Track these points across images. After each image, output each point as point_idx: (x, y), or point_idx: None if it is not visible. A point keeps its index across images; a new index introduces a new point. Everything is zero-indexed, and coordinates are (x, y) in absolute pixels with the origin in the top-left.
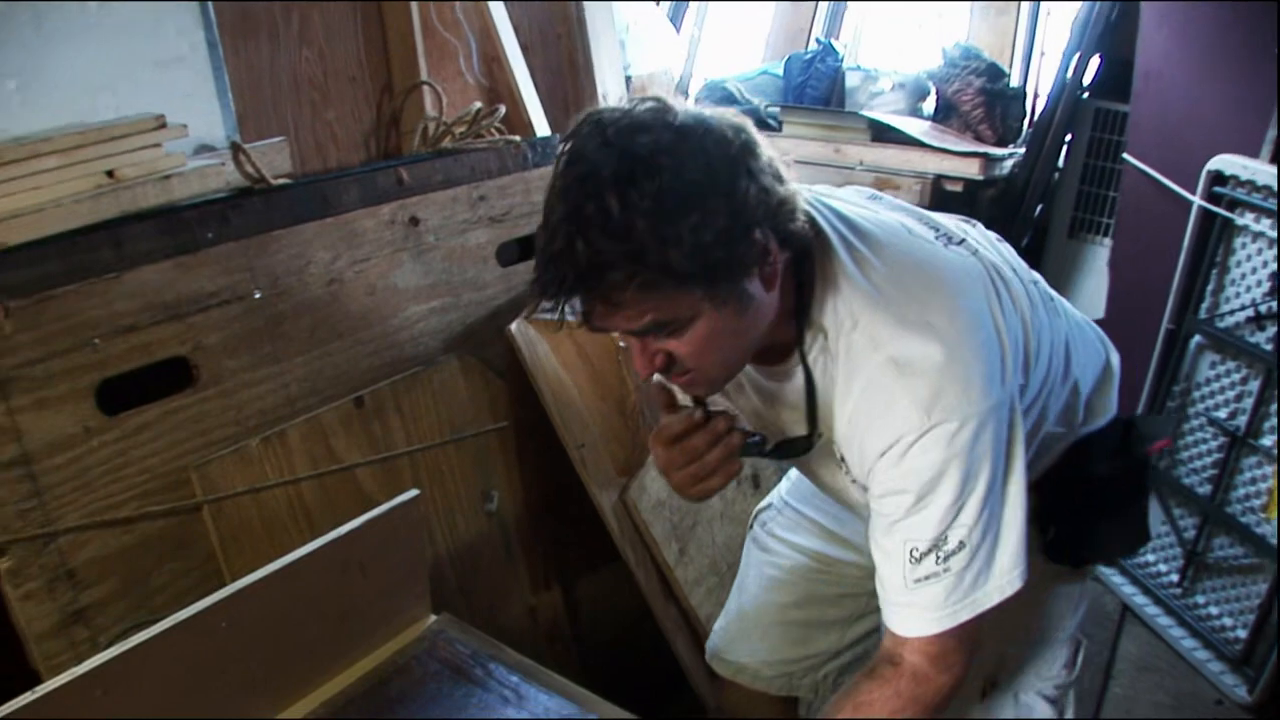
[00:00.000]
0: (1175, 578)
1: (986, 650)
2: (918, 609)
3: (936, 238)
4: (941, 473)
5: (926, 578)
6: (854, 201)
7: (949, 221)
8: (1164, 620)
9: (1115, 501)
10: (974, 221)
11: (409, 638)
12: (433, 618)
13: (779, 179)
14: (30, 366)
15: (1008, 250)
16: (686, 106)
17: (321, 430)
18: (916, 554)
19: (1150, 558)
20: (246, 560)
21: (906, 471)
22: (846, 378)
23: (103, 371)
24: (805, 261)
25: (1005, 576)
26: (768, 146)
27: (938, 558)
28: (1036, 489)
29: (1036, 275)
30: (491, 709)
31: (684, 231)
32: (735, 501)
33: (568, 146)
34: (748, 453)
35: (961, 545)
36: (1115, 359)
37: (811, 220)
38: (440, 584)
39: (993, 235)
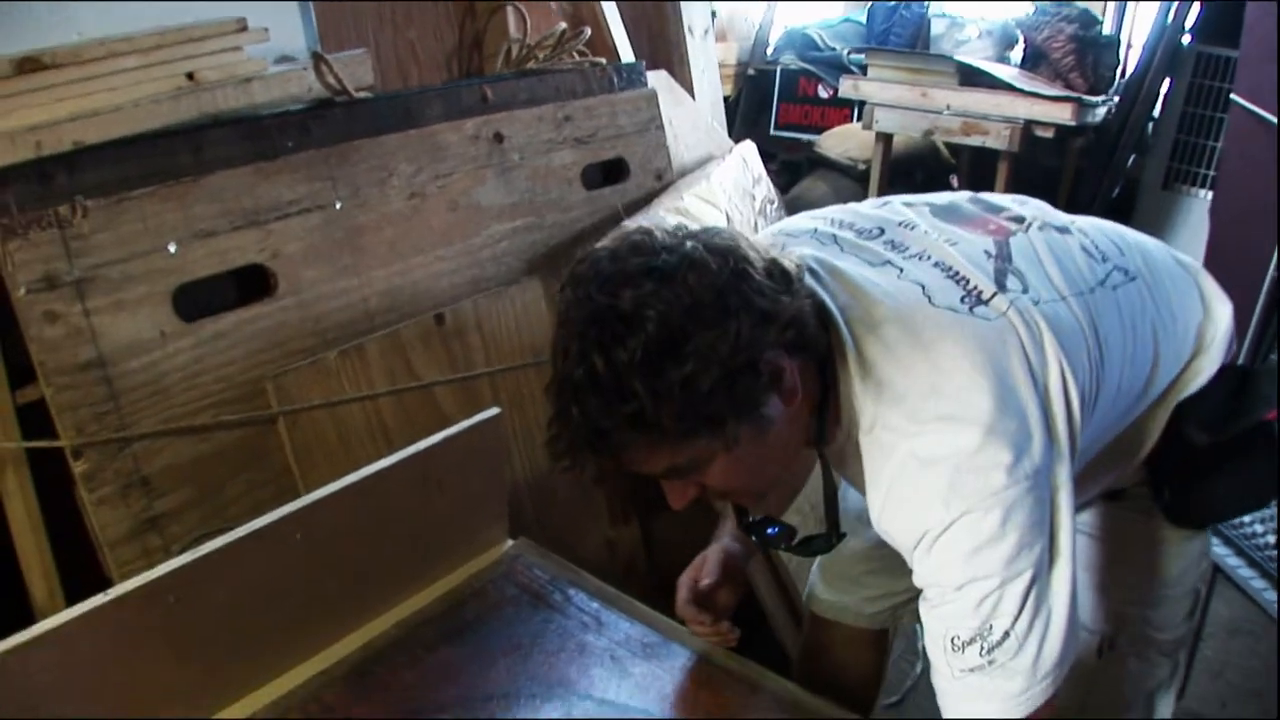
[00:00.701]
0: (1271, 539)
1: (1105, 609)
2: (966, 701)
3: (963, 299)
4: (972, 563)
5: (971, 669)
6: (869, 261)
7: (981, 256)
8: (1258, 583)
9: (1231, 462)
10: (1026, 205)
11: (486, 561)
12: (510, 542)
13: (784, 289)
14: (107, 268)
15: (1072, 241)
16: (672, 235)
17: (400, 346)
18: (959, 643)
19: (1245, 518)
20: (321, 474)
21: (938, 565)
22: (874, 474)
23: (180, 276)
24: (826, 362)
25: (1056, 672)
26: (769, 250)
27: (982, 649)
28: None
29: (1117, 248)
30: (571, 635)
31: (675, 387)
32: None
33: (560, 300)
34: (774, 545)
35: (1006, 635)
36: (1224, 310)
37: (821, 311)
38: (517, 513)
39: (1057, 218)
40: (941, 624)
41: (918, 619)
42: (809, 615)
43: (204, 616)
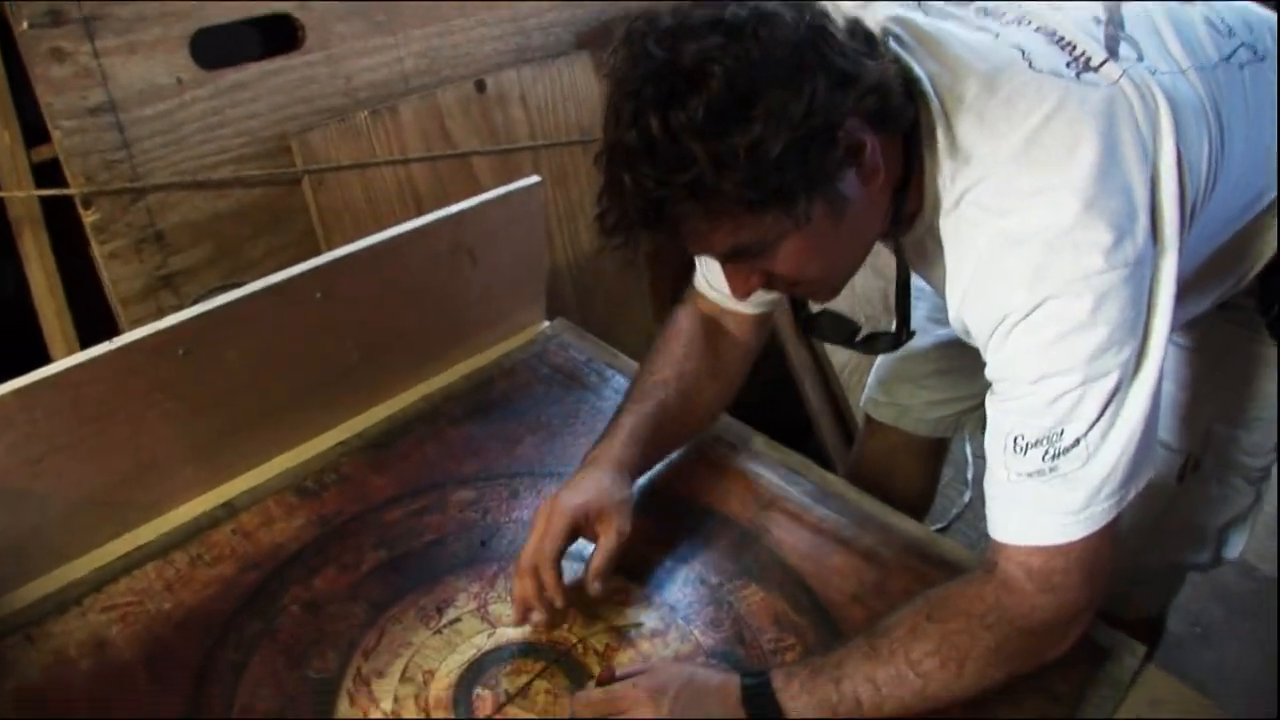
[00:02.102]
0: None
1: (1193, 427)
2: (1018, 510)
3: (1069, 65)
4: (1053, 354)
5: (1030, 474)
6: (966, 23)
7: (1090, 22)
8: None
9: None
10: None
11: (519, 341)
12: (546, 323)
13: (868, 53)
14: (118, 6)
15: (1195, 12)
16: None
17: (437, 111)
18: (1022, 443)
19: None
20: (348, 239)
21: (1015, 354)
22: (957, 260)
23: (198, 20)
24: (910, 138)
25: (1122, 492)
26: (854, 9)
27: (1046, 453)
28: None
29: (1246, 23)
30: (604, 416)
31: (739, 151)
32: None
33: (612, 60)
34: (836, 341)
35: (1076, 443)
36: None
37: (907, 79)
38: (556, 296)
39: None
40: (1008, 421)
41: (981, 428)
42: (864, 421)
43: (216, 374)
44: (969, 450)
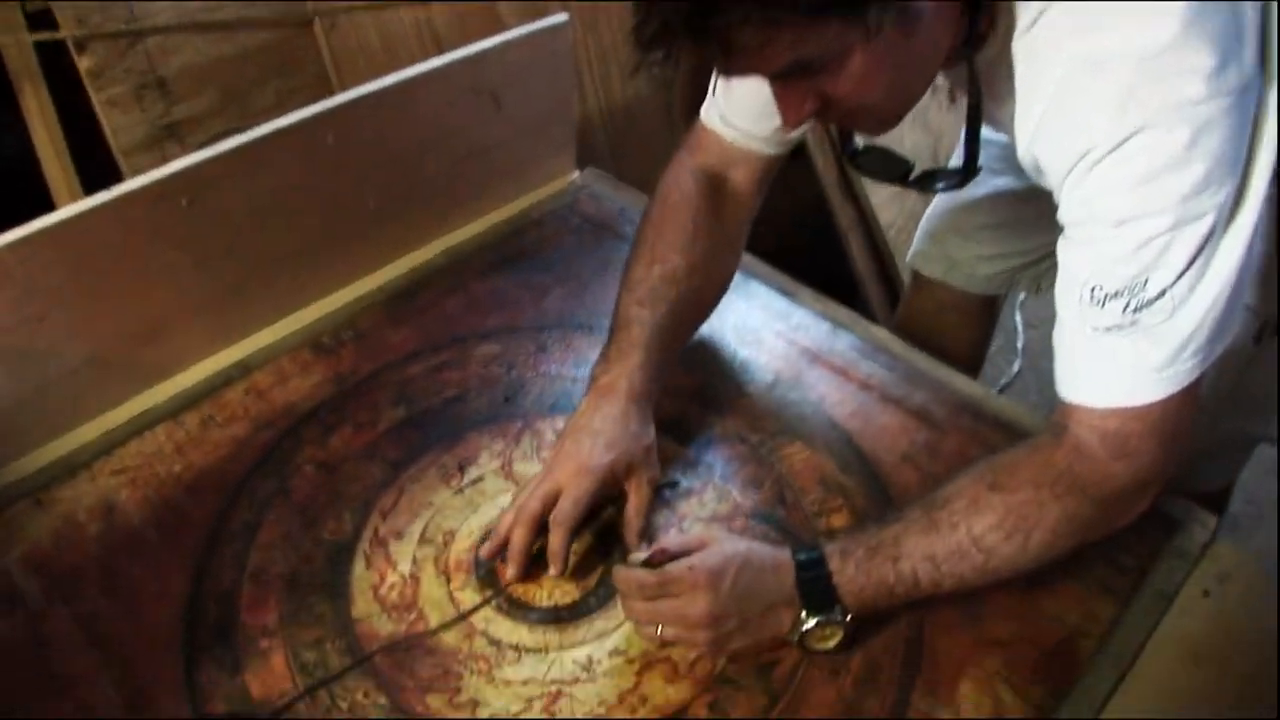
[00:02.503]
0: None
1: (1273, 287)
2: (1092, 368)
3: None
4: (1143, 192)
5: (1109, 328)
6: None
7: None
8: None
9: None
10: None
11: (548, 192)
12: (576, 173)
13: None
14: None
15: None
16: None
17: None
18: (1100, 294)
19: None
20: (362, 84)
21: (1098, 192)
22: (1030, 87)
23: None
24: None
25: (1207, 350)
26: None
27: (1128, 305)
28: None
29: None
30: None
31: None
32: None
33: None
34: (888, 180)
35: (1162, 294)
36: None
37: None
38: (588, 145)
39: None
40: (1085, 269)
41: (1035, 287)
42: (911, 276)
43: (223, 226)
44: (1019, 318)
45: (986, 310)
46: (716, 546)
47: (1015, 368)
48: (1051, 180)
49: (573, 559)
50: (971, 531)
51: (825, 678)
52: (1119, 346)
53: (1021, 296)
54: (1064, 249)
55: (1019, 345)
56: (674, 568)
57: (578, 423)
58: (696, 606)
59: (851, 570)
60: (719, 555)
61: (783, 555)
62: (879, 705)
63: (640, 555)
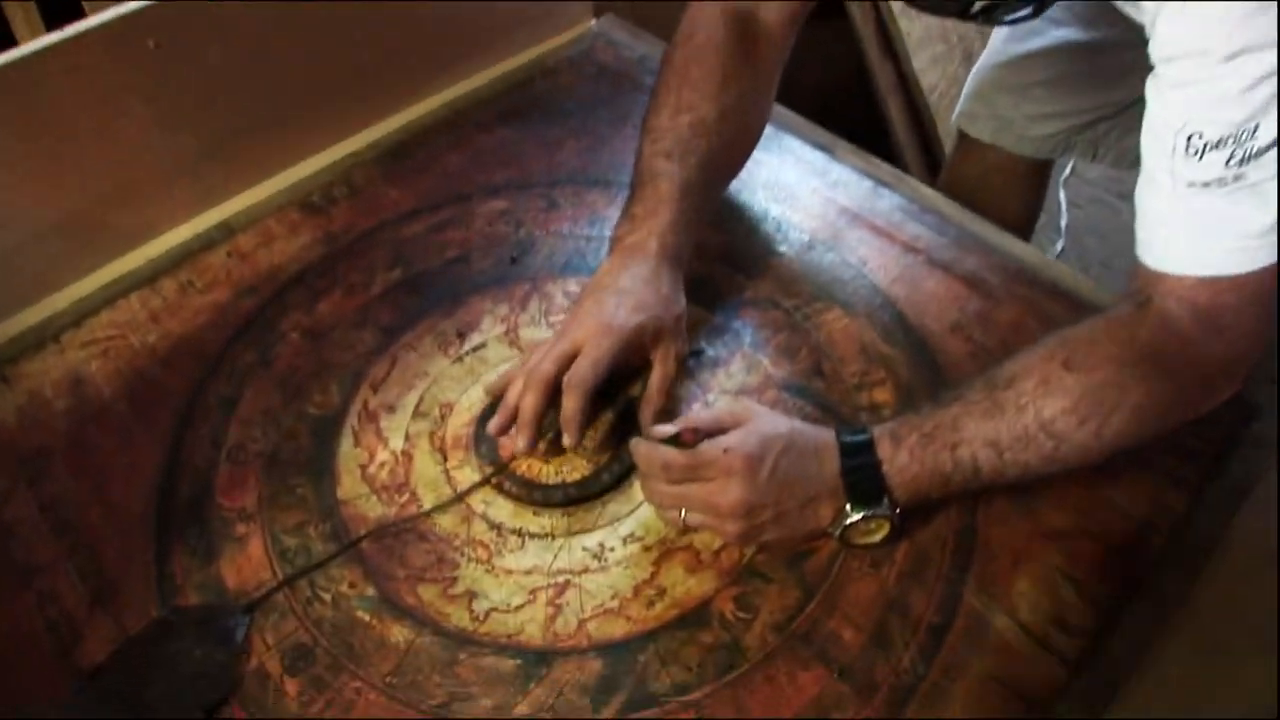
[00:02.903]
0: None
1: None
2: (1185, 230)
3: None
4: (1261, 23)
5: (1206, 184)
6: None
7: None
8: None
9: None
10: None
11: (560, 41)
12: (593, 20)
13: None
14: None
15: None
16: None
17: None
18: (1199, 143)
19: None
20: None
21: (1202, 20)
22: None
23: None
24: None
25: None
26: None
27: (1232, 156)
28: None
29: None
30: None
31: None
32: None
33: None
34: (933, 11)
35: (1271, 146)
36: None
37: None
38: None
39: None
40: (1181, 114)
41: (1091, 152)
42: (956, 139)
43: (197, 74)
44: (1063, 195)
45: (1036, 176)
46: (754, 426)
47: (1059, 247)
48: (1145, 12)
49: (588, 443)
50: (1041, 415)
51: (866, 570)
52: (1217, 206)
53: (1066, 172)
54: (1155, 92)
55: (1062, 224)
56: (707, 449)
57: (600, 281)
58: (729, 495)
59: (904, 457)
60: (758, 437)
61: (826, 438)
62: (926, 602)
63: (666, 430)
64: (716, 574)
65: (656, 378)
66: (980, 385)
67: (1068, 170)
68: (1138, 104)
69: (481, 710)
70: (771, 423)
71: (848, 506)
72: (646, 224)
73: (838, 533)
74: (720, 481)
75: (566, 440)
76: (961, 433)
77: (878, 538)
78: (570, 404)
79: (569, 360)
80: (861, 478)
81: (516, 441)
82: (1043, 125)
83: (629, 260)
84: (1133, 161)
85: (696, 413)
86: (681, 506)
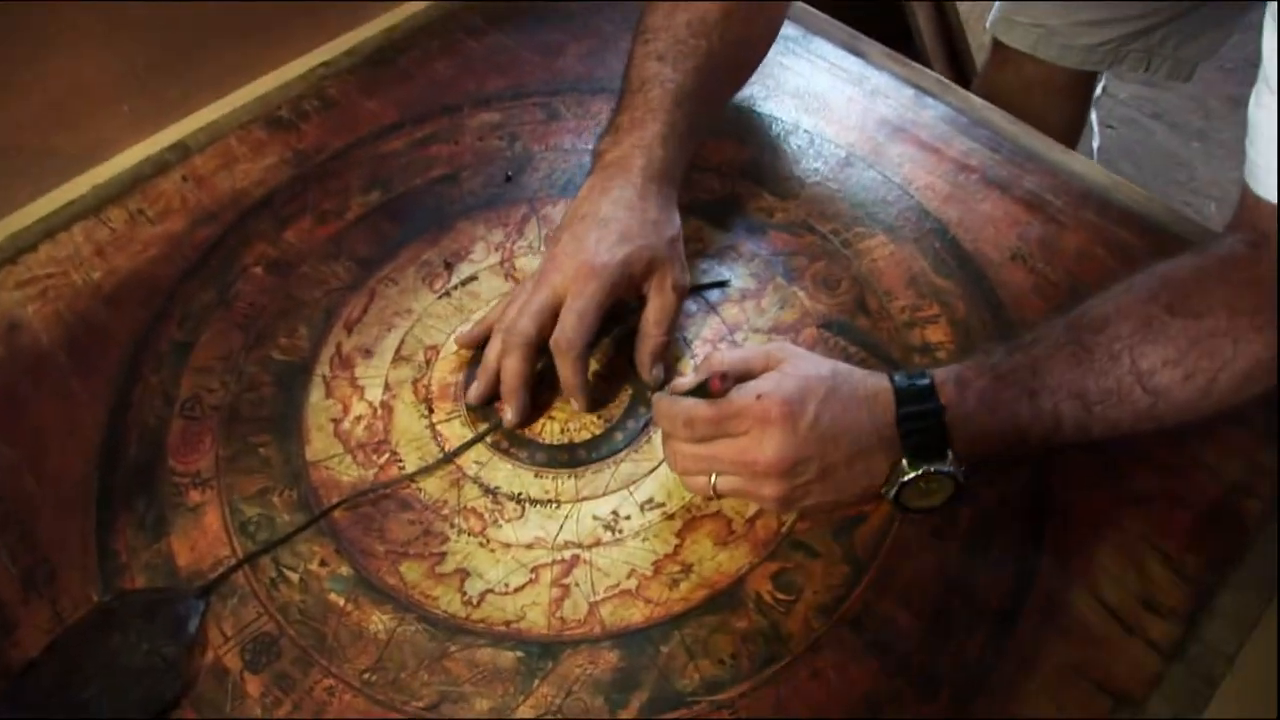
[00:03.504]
0: None
1: None
2: None
3: None
4: None
5: None
6: None
7: None
8: None
9: None
10: None
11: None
12: None
13: None
14: None
15: None
16: None
17: None
18: None
19: None
20: None
21: None
22: None
23: None
24: None
25: None
26: None
27: None
28: None
29: None
30: None
31: None
32: None
33: None
34: None
35: None
36: None
37: None
38: None
39: None
40: None
41: (1144, 63)
42: (991, 49)
43: None
44: (1094, 115)
45: (1080, 90)
46: (791, 368)
47: (1095, 142)
48: None
49: (593, 384)
50: (1139, 366)
51: (925, 540)
52: None
53: (1099, 90)
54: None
55: (1094, 146)
56: (736, 396)
57: (579, 210)
58: (765, 449)
59: (972, 404)
60: (796, 381)
61: (879, 382)
62: (994, 579)
63: (686, 381)
64: (751, 547)
65: (652, 311)
66: (1063, 327)
67: (1099, 89)
68: (1202, 5)
69: (477, 712)
70: (813, 364)
71: (904, 462)
72: (631, 136)
73: (892, 493)
74: (754, 434)
75: (575, 405)
76: (1042, 379)
77: (939, 500)
78: (567, 371)
79: (550, 312)
80: (921, 427)
81: (504, 413)
82: (1091, 33)
83: (610, 181)
84: (1188, 75)
85: (723, 354)
86: (710, 470)
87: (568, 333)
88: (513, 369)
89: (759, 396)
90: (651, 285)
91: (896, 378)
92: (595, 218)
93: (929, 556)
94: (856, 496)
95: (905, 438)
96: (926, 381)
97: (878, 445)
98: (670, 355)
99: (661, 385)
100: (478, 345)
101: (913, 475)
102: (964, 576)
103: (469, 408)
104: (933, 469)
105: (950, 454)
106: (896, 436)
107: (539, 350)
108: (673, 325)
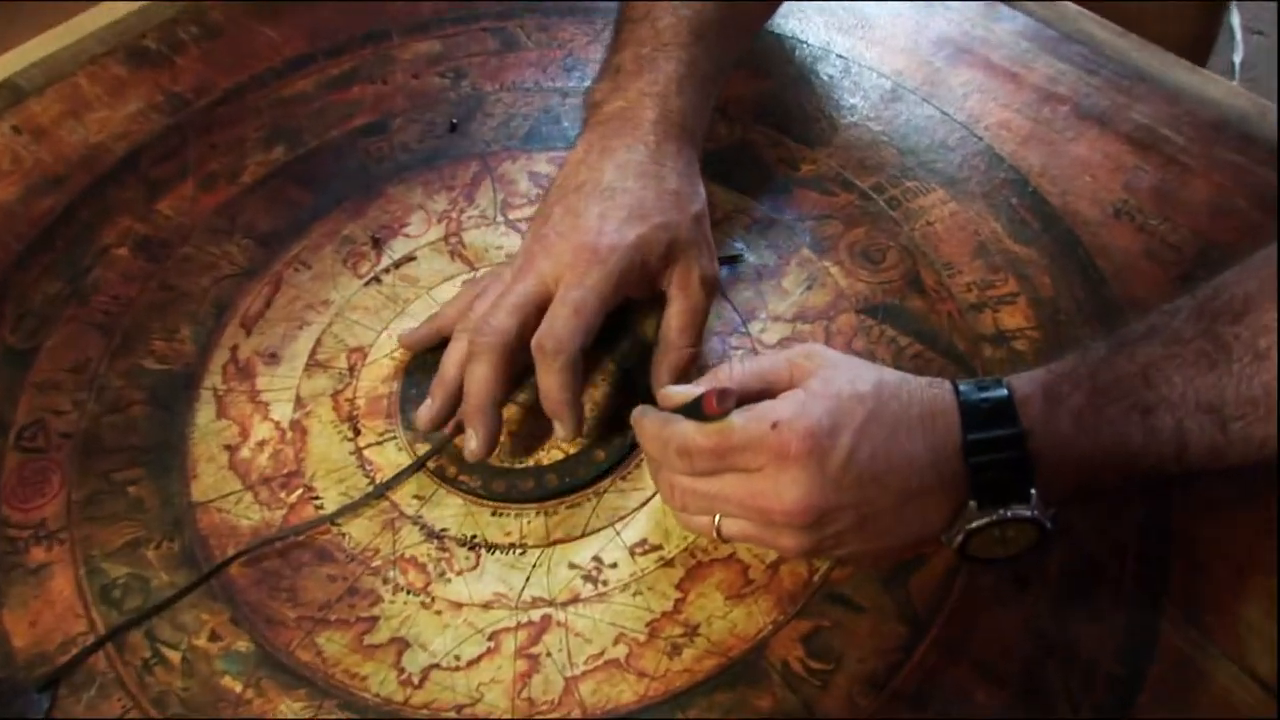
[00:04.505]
0: None
1: None
2: None
3: None
4: None
5: None
6: None
7: None
8: None
9: None
10: None
11: None
12: None
13: None
14: None
15: None
16: None
17: None
18: None
19: None
20: None
21: None
22: None
23: None
24: None
25: None
26: None
27: None
28: None
29: None
30: None
31: None
32: None
33: None
34: None
35: None
36: None
37: None
38: None
39: None
40: None
41: None
42: None
43: None
44: (1236, 19)
45: None
46: (821, 384)
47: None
48: None
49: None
50: None
51: (1006, 589)
52: None
53: None
54: None
55: (1235, 61)
56: (745, 421)
57: (574, 178)
58: (783, 494)
59: (1066, 427)
60: (825, 403)
61: (938, 396)
62: (1102, 639)
63: (679, 393)
64: (775, 600)
65: (676, 314)
66: (1189, 313)
67: None
68: None
69: None
70: (851, 375)
71: (972, 504)
72: (639, 81)
73: (955, 542)
74: (769, 473)
75: (560, 433)
76: (1160, 389)
77: (1017, 549)
78: (553, 381)
79: (536, 307)
80: (996, 460)
81: (466, 441)
82: None
83: (614, 140)
84: None
85: (733, 363)
86: (713, 511)
87: (557, 330)
88: (482, 379)
89: (775, 425)
90: (673, 278)
91: (963, 389)
92: (597, 187)
93: (1012, 610)
94: (907, 544)
95: (975, 473)
96: (1004, 394)
97: (936, 484)
98: (696, 371)
99: (692, 405)
100: (428, 348)
101: (983, 523)
102: (1061, 636)
103: (407, 425)
104: (1009, 514)
105: (1034, 494)
106: (963, 470)
107: (518, 356)
108: (702, 332)
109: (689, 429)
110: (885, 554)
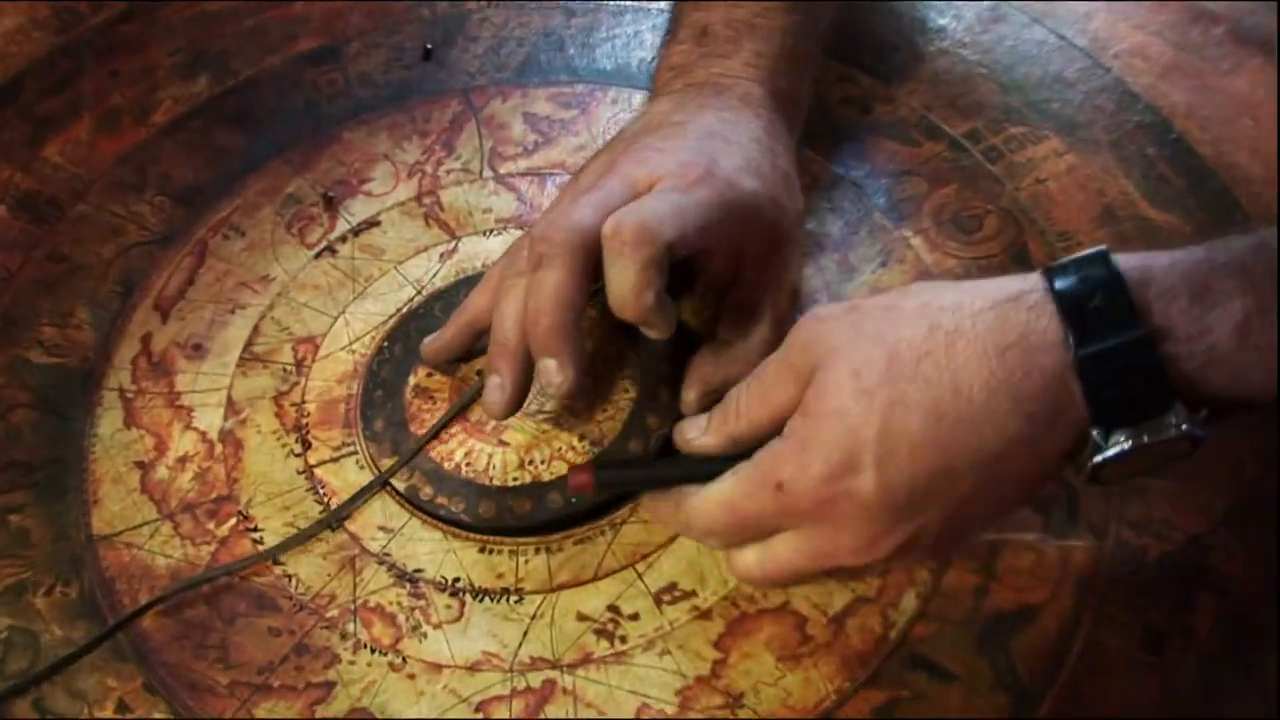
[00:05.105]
0: None
1: None
2: None
3: None
4: None
5: None
6: None
7: None
8: None
9: None
10: None
11: None
12: None
13: None
14: None
15: None
16: None
17: None
18: None
19: None
20: None
21: None
22: None
23: None
24: None
25: None
26: None
27: None
28: None
29: None
30: None
31: None
32: None
33: None
34: None
35: None
36: None
37: None
38: None
39: None
40: None
41: None
42: None
43: None
44: None
45: None
46: (816, 394)
47: None
48: None
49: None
50: None
51: (1134, 653)
52: None
53: None
54: None
55: None
56: (748, 489)
57: (669, 117)
58: (840, 544)
59: (1226, 335)
60: (827, 427)
61: (1017, 304)
62: (1255, 713)
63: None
64: (840, 662)
65: (761, 327)
66: None
67: None
68: None
69: None
70: (858, 359)
71: (1094, 432)
72: (740, 52)
73: (1082, 476)
74: (806, 532)
75: (653, 334)
76: None
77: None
78: (633, 280)
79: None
80: (1119, 370)
81: (546, 373)
82: None
83: (713, 98)
84: None
85: (742, 393)
86: (787, 585)
87: (646, 213)
88: (556, 286)
89: (779, 488)
90: (766, 275)
91: (1058, 284)
92: (700, 127)
93: (1144, 677)
94: (1013, 502)
95: (1091, 389)
96: (1112, 270)
97: (1036, 428)
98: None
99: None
100: (461, 357)
101: (1112, 452)
102: (1209, 709)
103: (369, 435)
104: (1145, 439)
105: (1178, 398)
106: (1075, 393)
107: (593, 270)
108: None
109: (698, 508)
110: (984, 527)
